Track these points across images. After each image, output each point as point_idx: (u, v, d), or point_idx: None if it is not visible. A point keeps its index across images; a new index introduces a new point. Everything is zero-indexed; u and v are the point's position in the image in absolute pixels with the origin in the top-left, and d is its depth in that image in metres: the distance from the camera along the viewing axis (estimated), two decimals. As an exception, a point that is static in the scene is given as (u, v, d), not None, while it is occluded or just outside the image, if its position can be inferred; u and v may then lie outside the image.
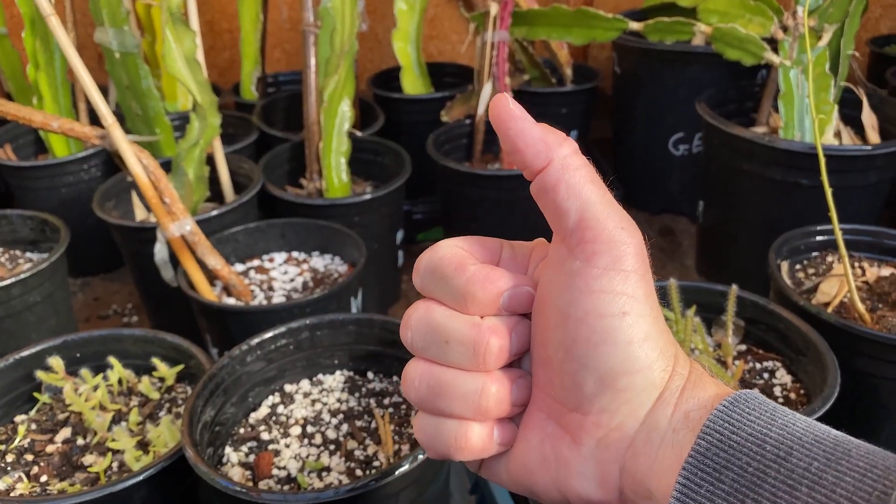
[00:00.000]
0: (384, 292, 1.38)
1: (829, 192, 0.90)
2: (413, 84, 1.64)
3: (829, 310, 0.91)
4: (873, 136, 1.31)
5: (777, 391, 0.79)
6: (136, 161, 1.02)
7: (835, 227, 0.91)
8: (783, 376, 0.81)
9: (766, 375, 0.82)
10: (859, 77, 1.52)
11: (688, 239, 1.60)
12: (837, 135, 1.34)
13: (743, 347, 0.86)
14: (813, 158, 1.17)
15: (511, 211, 1.33)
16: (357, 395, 0.84)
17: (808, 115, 1.29)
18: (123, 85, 1.37)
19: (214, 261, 1.08)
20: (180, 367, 0.86)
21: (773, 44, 1.30)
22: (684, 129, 1.58)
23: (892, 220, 1.52)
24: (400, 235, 1.37)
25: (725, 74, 1.49)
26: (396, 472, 0.63)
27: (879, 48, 1.84)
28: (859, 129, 1.35)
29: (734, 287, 0.82)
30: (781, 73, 1.29)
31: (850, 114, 1.36)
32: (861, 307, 0.88)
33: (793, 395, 0.78)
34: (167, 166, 1.32)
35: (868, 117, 1.33)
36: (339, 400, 0.83)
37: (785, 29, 1.28)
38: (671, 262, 1.53)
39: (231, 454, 0.76)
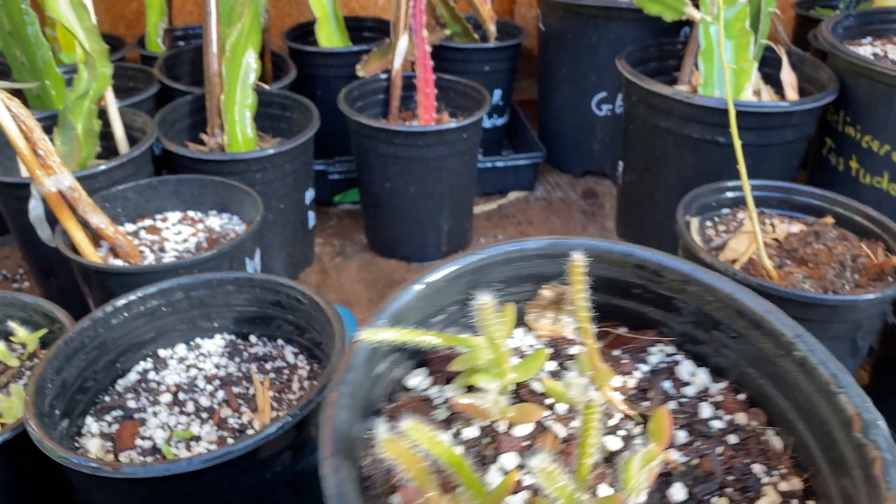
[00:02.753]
0: (293, 255, 1.32)
1: (738, 144, 0.87)
2: (329, 37, 1.57)
3: (737, 266, 0.89)
4: (792, 95, 1.29)
5: (689, 392, 0.50)
6: (3, 108, 0.93)
7: (743, 182, 0.88)
8: (684, 367, 0.52)
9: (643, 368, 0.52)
10: (781, 38, 1.50)
11: (610, 201, 1.58)
12: (757, 93, 1.32)
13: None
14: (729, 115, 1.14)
15: (426, 168, 1.28)
16: (237, 360, 0.78)
17: (728, 78, 1.26)
18: (5, 31, 1.26)
19: (98, 219, 1.00)
20: (43, 331, 0.79)
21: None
22: (607, 89, 1.55)
23: (809, 182, 1.51)
24: (310, 195, 1.30)
25: (648, 32, 1.46)
26: (261, 437, 0.57)
27: (805, 11, 1.83)
28: (780, 90, 1.34)
29: (576, 261, 0.48)
30: (702, 29, 1.26)
31: (771, 73, 1.34)
32: (768, 263, 0.86)
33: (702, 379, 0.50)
34: (55, 119, 1.23)
35: (787, 76, 1.31)
36: (217, 365, 0.77)
37: (706, -17, 1.25)
38: (592, 224, 1.50)
39: (92, 424, 0.70)
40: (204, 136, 1.29)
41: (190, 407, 0.72)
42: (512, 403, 0.47)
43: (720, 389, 0.48)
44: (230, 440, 0.68)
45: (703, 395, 0.48)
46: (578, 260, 0.45)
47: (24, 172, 1.23)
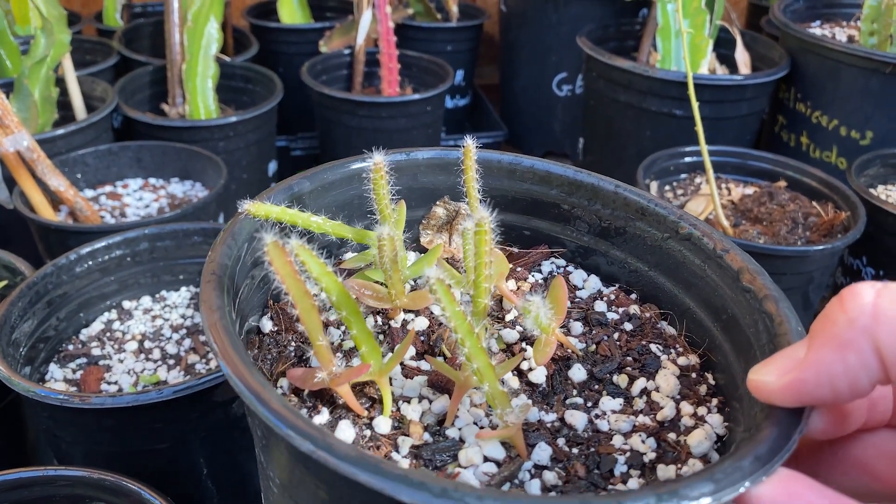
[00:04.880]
0: (256, 227, 1.31)
1: (696, 106, 0.90)
2: (291, 14, 1.56)
3: (695, 225, 0.91)
4: (746, 72, 1.33)
5: (599, 306, 0.48)
6: (-41, 64, 0.91)
7: (701, 146, 0.91)
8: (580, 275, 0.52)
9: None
10: (734, 19, 1.54)
11: (571, 179, 1.60)
12: (712, 71, 1.36)
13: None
14: (686, 88, 1.17)
15: (390, 141, 1.28)
16: (204, 310, 0.77)
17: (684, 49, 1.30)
18: (-42, -4, 1.23)
19: (57, 181, 0.98)
20: (3, 283, 0.77)
21: (653, -22, 1.30)
22: (568, 69, 1.57)
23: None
24: (273, 167, 1.30)
25: (608, 12, 1.49)
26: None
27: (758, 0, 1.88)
28: (734, 70, 1.38)
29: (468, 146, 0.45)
30: (659, 8, 1.29)
31: (726, 54, 1.38)
32: (724, 221, 0.89)
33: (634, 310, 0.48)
34: (11, 88, 1.20)
35: (741, 55, 1.35)
36: (183, 316, 0.77)
37: (664, -38, 1.28)
38: (554, 201, 1.53)
39: (56, 371, 0.69)
40: (165, 106, 1.28)
41: (156, 354, 0.71)
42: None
43: (612, 291, 0.49)
44: (198, 384, 0.67)
45: (596, 297, 0.49)
46: (470, 144, 0.44)
47: (-22, 140, 1.20)
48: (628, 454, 0.37)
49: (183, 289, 0.80)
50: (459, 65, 1.62)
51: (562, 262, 0.52)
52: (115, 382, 0.68)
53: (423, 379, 0.40)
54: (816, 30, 1.40)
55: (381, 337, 0.43)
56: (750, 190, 0.98)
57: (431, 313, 0.45)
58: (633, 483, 0.35)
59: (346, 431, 0.36)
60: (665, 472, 0.35)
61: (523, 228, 0.52)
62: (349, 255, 0.49)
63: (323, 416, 0.37)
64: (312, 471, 0.32)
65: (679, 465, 0.36)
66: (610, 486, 0.35)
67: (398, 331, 0.43)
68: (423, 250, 0.51)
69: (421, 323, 0.44)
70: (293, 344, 0.41)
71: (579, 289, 0.50)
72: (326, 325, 0.41)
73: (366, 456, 0.28)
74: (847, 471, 0.32)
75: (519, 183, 0.50)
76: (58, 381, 0.68)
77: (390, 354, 0.40)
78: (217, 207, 1.00)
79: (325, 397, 0.38)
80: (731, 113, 1.21)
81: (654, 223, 0.46)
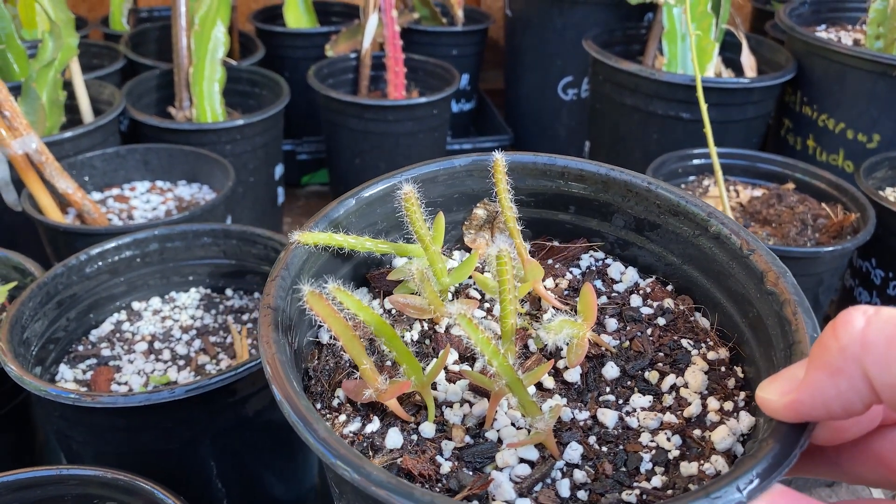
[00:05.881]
0: (262, 230, 1.31)
1: (704, 107, 0.90)
2: (297, 19, 1.57)
3: (703, 227, 0.91)
4: (752, 76, 1.34)
5: (635, 298, 0.49)
6: (-31, 67, 0.92)
7: (710, 148, 0.91)
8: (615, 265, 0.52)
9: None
10: (739, 23, 1.54)
11: (576, 183, 1.60)
12: (718, 75, 1.36)
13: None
14: (693, 91, 1.17)
15: (396, 145, 1.29)
16: (213, 312, 0.77)
17: (691, 52, 1.30)
18: (-34, 0, 1.24)
19: (65, 184, 0.99)
20: (13, 284, 0.77)
21: (659, -18, 1.30)
22: (573, 73, 1.58)
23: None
24: (279, 170, 1.30)
25: (613, 16, 1.49)
26: (242, 369, 0.57)
27: (762, 5, 1.88)
28: (740, 73, 1.38)
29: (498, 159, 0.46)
30: (665, 12, 1.29)
31: (732, 58, 1.38)
32: (733, 223, 0.89)
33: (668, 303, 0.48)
34: (19, 91, 1.21)
35: (747, 58, 1.35)
36: (192, 317, 0.76)
37: (670, -34, 1.28)
38: (559, 205, 1.52)
39: (66, 372, 0.69)
40: (171, 110, 1.28)
41: (166, 355, 0.71)
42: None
43: (649, 283, 0.49)
44: (208, 385, 0.67)
45: (632, 290, 0.49)
46: (499, 159, 0.45)
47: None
48: (654, 451, 0.38)
49: (192, 290, 0.80)
50: (465, 69, 1.62)
51: (600, 254, 0.53)
52: (126, 383, 0.68)
53: (465, 383, 0.42)
54: (822, 33, 1.40)
55: (426, 342, 0.45)
56: (758, 192, 0.98)
57: (472, 316, 0.45)
58: (657, 480, 0.36)
59: (394, 438, 0.38)
60: (688, 468, 0.36)
61: (564, 223, 0.53)
62: (397, 260, 0.50)
63: (374, 425, 0.39)
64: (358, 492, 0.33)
65: (702, 462, 0.36)
66: (635, 484, 0.36)
67: (442, 336, 0.45)
68: (468, 248, 0.54)
69: None
70: (348, 354, 0.43)
71: (616, 282, 0.50)
72: (373, 339, 0.44)
73: (401, 484, 0.30)
74: (867, 462, 0.34)
75: (555, 181, 0.51)
76: (68, 381, 0.68)
77: (435, 360, 0.42)
78: (225, 210, 1.00)
79: (376, 406, 0.41)
80: (737, 116, 1.21)
81: (685, 220, 0.47)
